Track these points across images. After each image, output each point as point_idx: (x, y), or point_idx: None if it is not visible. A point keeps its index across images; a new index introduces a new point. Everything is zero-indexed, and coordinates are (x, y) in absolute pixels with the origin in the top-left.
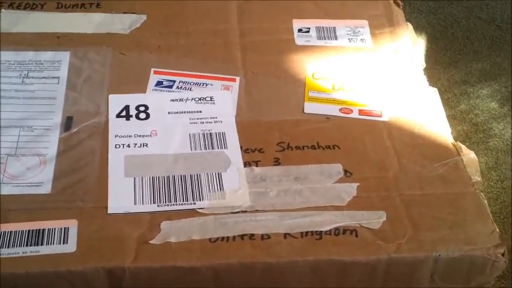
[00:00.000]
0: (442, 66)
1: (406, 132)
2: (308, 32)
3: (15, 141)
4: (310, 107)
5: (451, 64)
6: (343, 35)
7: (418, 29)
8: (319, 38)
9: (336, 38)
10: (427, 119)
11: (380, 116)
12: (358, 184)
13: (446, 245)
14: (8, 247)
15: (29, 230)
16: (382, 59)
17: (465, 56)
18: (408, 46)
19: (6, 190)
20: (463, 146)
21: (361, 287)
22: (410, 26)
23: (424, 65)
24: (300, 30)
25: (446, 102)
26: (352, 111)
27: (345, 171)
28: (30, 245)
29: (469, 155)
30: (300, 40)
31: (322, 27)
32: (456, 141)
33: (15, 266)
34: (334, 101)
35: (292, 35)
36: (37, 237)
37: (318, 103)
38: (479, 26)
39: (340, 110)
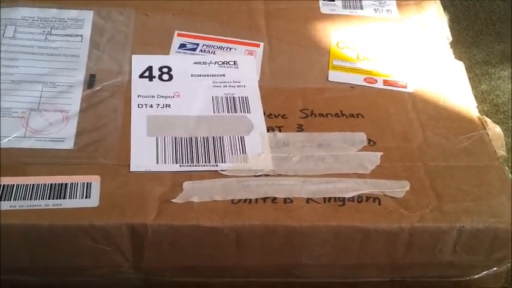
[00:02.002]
0: (464, 46)
1: (431, 104)
2: (333, 0)
3: (38, 96)
4: (334, 75)
5: (472, 44)
6: (369, 5)
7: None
8: (344, 7)
9: (361, 8)
10: (453, 92)
11: (405, 87)
12: (381, 153)
13: (470, 217)
14: (30, 199)
15: (51, 184)
16: (408, 31)
17: (487, 37)
18: (434, 19)
19: (29, 144)
20: (488, 120)
21: (383, 256)
22: None
23: (450, 39)
24: None
25: None
26: (376, 81)
27: (369, 140)
28: (53, 198)
29: (494, 129)
30: (325, 8)
31: None
32: (482, 115)
33: (38, 218)
34: (358, 71)
35: (318, 4)
36: (60, 191)
37: (342, 72)
38: (501, 7)
39: (365, 79)
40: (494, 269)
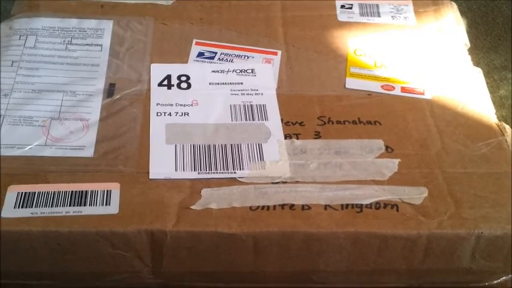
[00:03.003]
0: (482, 51)
1: (449, 111)
2: (351, 8)
3: (59, 105)
4: (351, 83)
5: (490, 49)
6: (386, 13)
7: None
8: (361, 14)
9: (379, 15)
10: (471, 98)
11: (423, 93)
12: (399, 160)
13: (489, 223)
14: (51, 206)
15: (72, 191)
16: (426, 37)
17: (505, 42)
18: (452, 25)
19: (50, 152)
20: (507, 126)
21: (401, 263)
22: (454, 5)
23: (469, 45)
24: (342, 7)
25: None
26: (394, 88)
27: (386, 147)
28: (74, 205)
29: None
30: (342, 16)
31: (365, 4)
32: (500, 121)
33: (58, 225)
34: (376, 78)
35: (335, 11)
36: (80, 198)
37: (359, 79)
38: None
39: (382, 86)
40: None
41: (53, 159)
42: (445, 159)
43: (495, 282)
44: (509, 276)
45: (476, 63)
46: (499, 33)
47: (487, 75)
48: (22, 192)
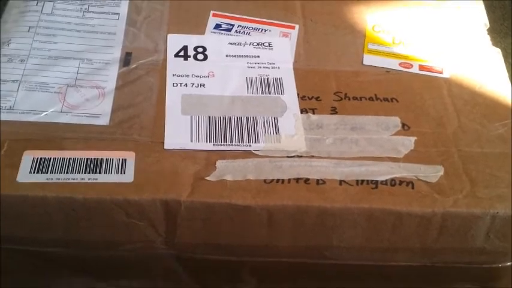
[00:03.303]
0: (499, 36)
1: (466, 90)
2: None
3: (75, 72)
4: (369, 59)
5: (507, 34)
6: None
7: None
8: None
9: None
10: (489, 78)
11: (441, 72)
12: (415, 138)
13: (504, 203)
14: (66, 173)
15: (87, 159)
16: (445, 16)
17: None
18: (472, 4)
19: (65, 119)
20: None
21: (415, 240)
22: None
23: (488, 25)
24: None
25: None
26: (412, 65)
27: (403, 124)
28: (89, 173)
29: None
30: None
31: None
32: None
33: (73, 191)
34: (394, 55)
35: None
36: (95, 166)
37: (377, 56)
38: None
39: (400, 64)
40: None
41: (69, 126)
42: (462, 138)
43: (508, 263)
44: None
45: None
46: None
47: (504, 59)
48: (38, 158)
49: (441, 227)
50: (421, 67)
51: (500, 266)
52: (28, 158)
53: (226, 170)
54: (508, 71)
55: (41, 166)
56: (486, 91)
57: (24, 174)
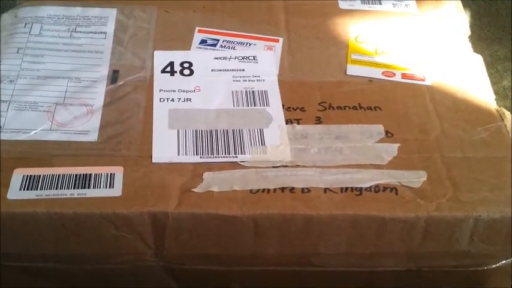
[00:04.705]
0: (486, 43)
1: (448, 96)
2: None
3: (64, 91)
4: (352, 69)
5: (494, 40)
6: (388, 0)
7: (462, 5)
8: (363, 2)
9: (380, 3)
10: (471, 84)
11: (423, 80)
12: (399, 145)
13: (487, 206)
14: (56, 189)
15: (76, 174)
16: (427, 25)
17: (508, 33)
18: (453, 13)
19: (55, 136)
20: (506, 112)
21: (400, 245)
22: None
23: (469, 33)
24: None
25: (489, 78)
26: (395, 74)
27: (386, 132)
28: (78, 188)
29: None
30: (343, 4)
31: None
32: (500, 107)
33: (63, 206)
34: (377, 64)
35: None
36: (84, 181)
37: (360, 65)
38: None
39: (383, 73)
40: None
41: (58, 144)
42: (445, 144)
43: (494, 266)
44: (509, 260)
45: (480, 54)
46: (503, 24)
47: (491, 66)
48: (27, 175)
49: (425, 231)
50: (404, 75)
51: (485, 268)
52: (18, 175)
53: (212, 182)
54: (495, 77)
55: (30, 183)
56: (468, 97)
57: (15, 192)
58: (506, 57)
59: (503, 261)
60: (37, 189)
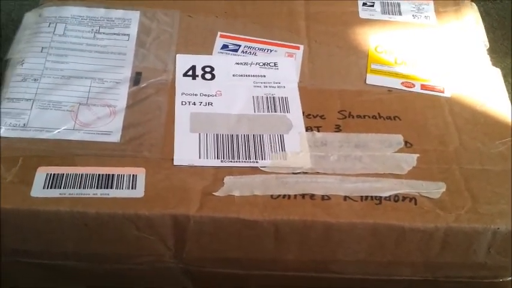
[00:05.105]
0: (499, 55)
1: (467, 109)
2: (373, 6)
3: (87, 91)
4: (372, 79)
5: (507, 53)
6: (408, 11)
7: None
8: (383, 12)
9: (400, 14)
10: (489, 97)
11: (442, 91)
12: (418, 155)
13: (505, 219)
14: (79, 188)
15: (99, 174)
16: (446, 36)
17: None
18: (472, 25)
19: (78, 136)
20: None
21: (418, 255)
22: (474, 6)
23: (488, 46)
24: (364, 4)
25: None
26: (414, 85)
27: (405, 142)
28: (101, 188)
29: None
30: (364, 13)
31: (387, 2)
32: None
33: (86, 206)
34: (396, 75)
35: (357, 8)
36: (107, 181)
37: (380, 75)
38: None
39: (402, 83)
40: None
41: (81, 143)
42: (463, 156)
43: (510, 278)
44: None
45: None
46: None
47: (504, 78)
48: (51, 174)
49: (443, 242)
50: (423, 86)
51: (501, 280)
52: (42, 174)
53: (233, 186)
54: (507, 91)
55: (54, 182)
56: (487, 110)
57: (38, 190)
58: None
59: None
60: (60, 187)
